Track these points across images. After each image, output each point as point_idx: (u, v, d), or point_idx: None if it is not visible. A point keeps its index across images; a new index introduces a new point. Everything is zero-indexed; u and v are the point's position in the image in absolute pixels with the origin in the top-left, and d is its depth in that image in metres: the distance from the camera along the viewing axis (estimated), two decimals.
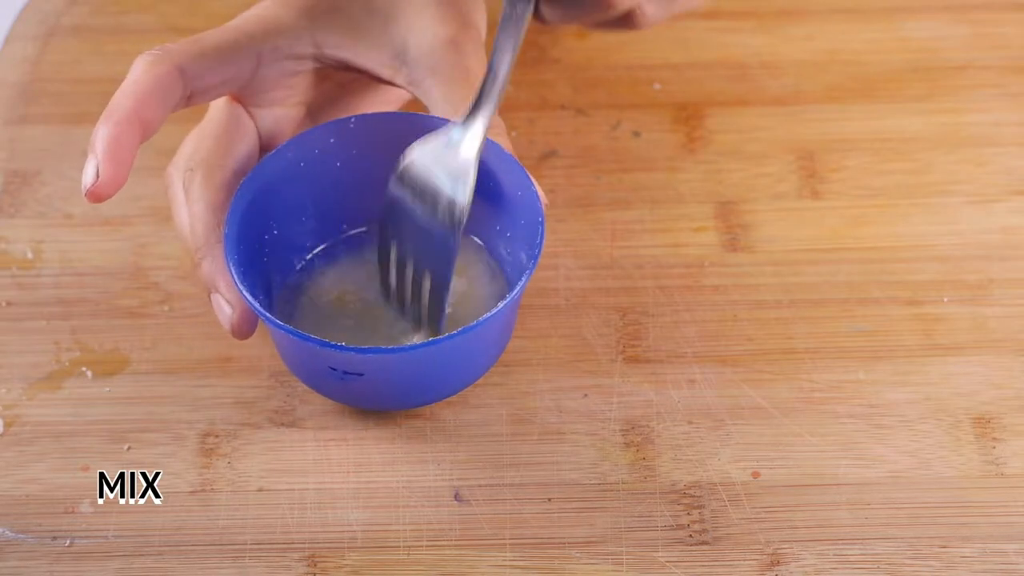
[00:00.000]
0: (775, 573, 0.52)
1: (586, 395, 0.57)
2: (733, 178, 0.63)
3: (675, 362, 0.58)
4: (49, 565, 0.53)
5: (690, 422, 0.56)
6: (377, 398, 0.55)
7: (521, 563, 0.52)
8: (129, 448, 0.56)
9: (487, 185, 0.54)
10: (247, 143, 0.55)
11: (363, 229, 0.58)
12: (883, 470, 0.54)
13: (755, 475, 0.54)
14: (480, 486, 0.54)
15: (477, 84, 0.52)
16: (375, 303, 0.57)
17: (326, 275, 0.58)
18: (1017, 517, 0.53)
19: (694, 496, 0.54)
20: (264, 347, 0.58)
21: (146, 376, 0.58)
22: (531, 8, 0.51)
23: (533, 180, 0.53)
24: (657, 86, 0.67)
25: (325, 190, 0.56)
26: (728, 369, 0.57)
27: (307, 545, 0.53)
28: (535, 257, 0.51)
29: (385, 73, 0.55)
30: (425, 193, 0.53)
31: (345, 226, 0.58)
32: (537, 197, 0.52)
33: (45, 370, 0.58)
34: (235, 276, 0.51)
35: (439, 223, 0.52)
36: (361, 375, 0.52)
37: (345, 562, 0.53)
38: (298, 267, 0.58)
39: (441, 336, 0.50)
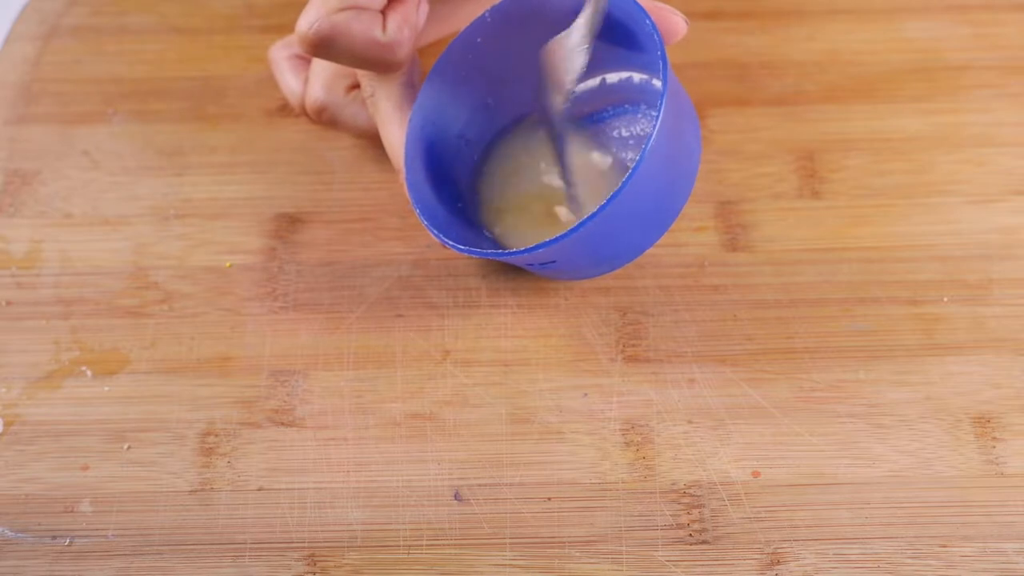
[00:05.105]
0: (775, 572, 0.52)
1: (586, 395, 0.57)
2: (733, 178, 0.63)
3: (675, 362, 0.58)
4: (49, 564, 0.53)
5: (690, 422, 0.56)
6: (585, 266, 0.56)
7: (521, 562, 0.52)
8: (129, 447, 0.56)
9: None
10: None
11: (528, 111, 0.60)
12: (883, 469, 0.54)
13: (755, 475, 0.54)
14: (480, 486, 0.54)
15: None
16: (551, 176, 0.59)
17: (503, 164, 0.60)
18: (1017, 516, 0.53)
19: (694, 495, 0.54)
20: (264, 347, 0.58)
21: (146, 376, 0.58)
22: None
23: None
24: None
25: (485, 87, 0.59)
26: (728, 369, 0.57)
27: (307, 544, 0.53)
28: (663, 57, 0.51)
29: None
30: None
31: (512, 115, 0.61)
32: (640, 7, 0.53)
33: (45, 370, 0.58)
34: (420, 212, 0.53)
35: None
36: (554, 262, 0.53)
37: (345, 561, 0.53)
38: (477, 161, 0.60)
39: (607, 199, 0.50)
